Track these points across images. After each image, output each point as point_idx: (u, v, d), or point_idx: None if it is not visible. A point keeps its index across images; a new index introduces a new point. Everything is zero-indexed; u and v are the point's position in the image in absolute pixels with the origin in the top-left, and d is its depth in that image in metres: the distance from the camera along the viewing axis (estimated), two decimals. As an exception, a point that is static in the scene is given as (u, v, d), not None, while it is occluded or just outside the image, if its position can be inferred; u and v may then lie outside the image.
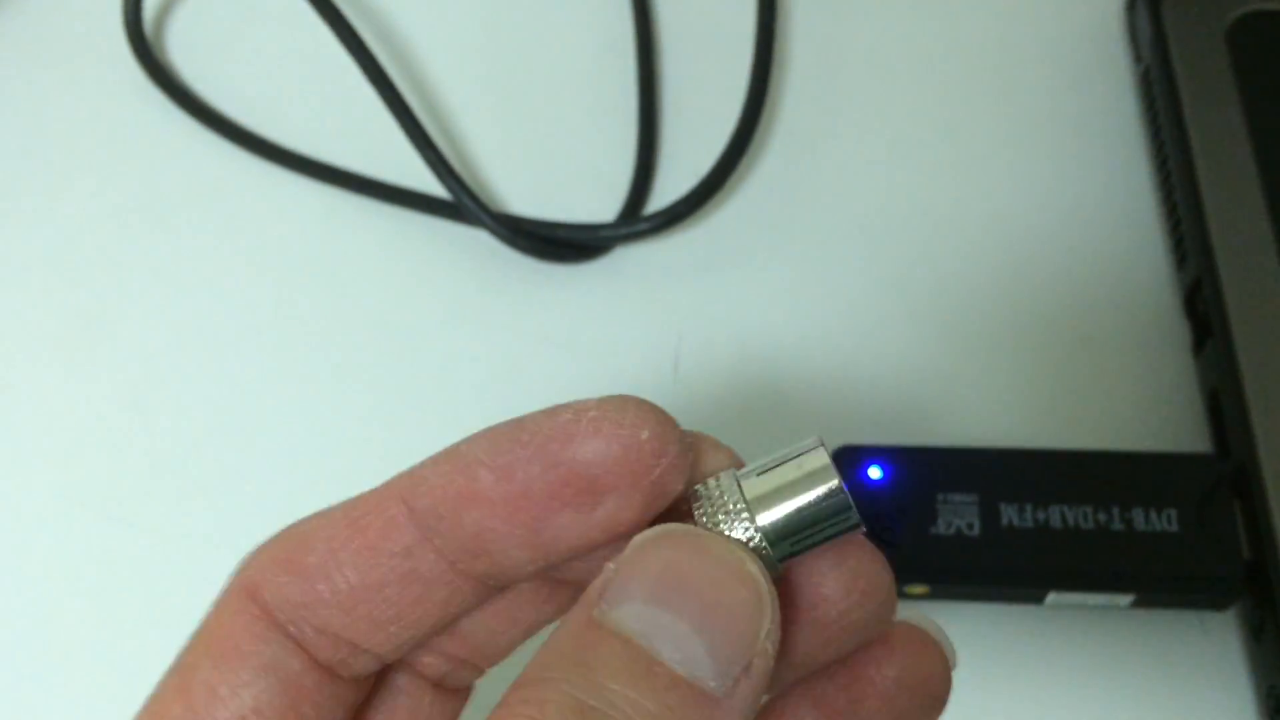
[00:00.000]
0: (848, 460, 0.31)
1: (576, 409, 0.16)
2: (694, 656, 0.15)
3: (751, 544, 0.16)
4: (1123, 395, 0.34)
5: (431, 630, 0.18)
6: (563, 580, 0.19)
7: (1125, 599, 0.30)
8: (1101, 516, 0.29)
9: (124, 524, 0.34)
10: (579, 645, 0.15)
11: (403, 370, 0.36)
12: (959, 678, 0.30)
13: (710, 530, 0.16)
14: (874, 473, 0.31)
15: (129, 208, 0.40)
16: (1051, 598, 0.30)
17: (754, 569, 0.15)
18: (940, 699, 0.18)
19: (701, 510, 0.17)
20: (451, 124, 0.40)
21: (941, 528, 0.30)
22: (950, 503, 0.30)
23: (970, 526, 0.30)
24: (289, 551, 0.17)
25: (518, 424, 0.17)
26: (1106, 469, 0.30)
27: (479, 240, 0.38)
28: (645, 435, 0.16)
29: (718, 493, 0.17)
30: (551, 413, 0.16)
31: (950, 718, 0.30)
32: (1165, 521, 0.29)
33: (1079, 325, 0.35)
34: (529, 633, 0.20)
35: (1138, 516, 0.29)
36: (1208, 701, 0.29)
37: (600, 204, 0.38)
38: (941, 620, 0.31)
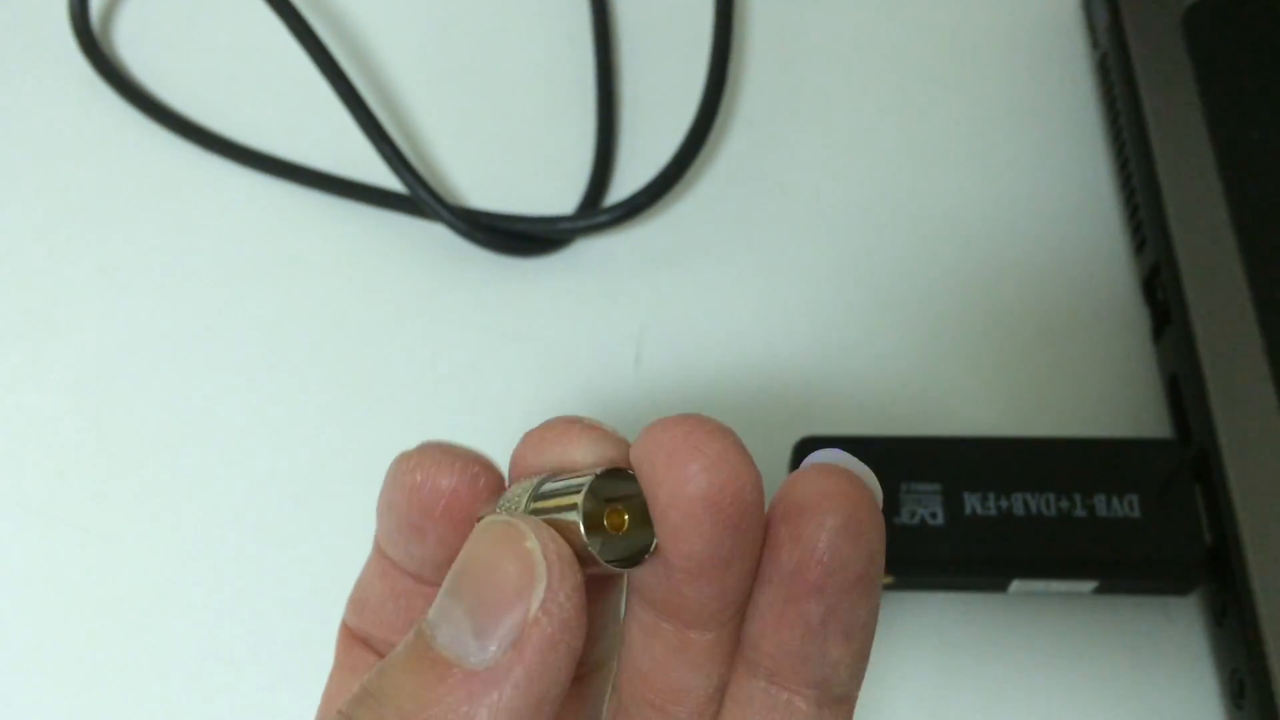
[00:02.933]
0: (809, 451, 0.31)
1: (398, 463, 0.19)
2: (460, 638, 0.16)
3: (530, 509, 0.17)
4: (1084, 382, 0.34)
5: None
6: None
7: (1088, 585, 0.30)
8: (1064, 504, 0.29)
9: (74, 528, 0.33)
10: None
11: (361, 366, 0.35)
12: (926, 665, 0.30)
13: (509, 510, 0.17)
14: (837, 463, 0.30)
15: (78, 205, 0.39)
16: (1015, 585, 0.30)
17: (531, 544, 0.16)
18: (862, 525, 0.17)
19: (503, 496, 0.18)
20: (408, 117, 0.40)
21: (905, 517, 0.30)
22: (914, 492, 0.30)
23: (934, 516, 0.29)
24: (353, 591, 0.22)
25: (387, 478, 0.20)
26: (1068, 456, 0.30)
27: (437, 234, 0.37)
28: (443, 483, 0.18)
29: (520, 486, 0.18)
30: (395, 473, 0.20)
31: (917, 704, 0.30)
32: (1127, 507, 0.29)
33: (1039, 313, 0.35)
34: None
35: (1099, 503, 0.29)
36: (1172, 686, 0.29)
37: (560, 196, 0.38)
38: (907, 610, 0.31)
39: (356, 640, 0.22)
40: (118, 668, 0.31)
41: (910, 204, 0.37)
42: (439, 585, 0.17)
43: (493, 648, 0.15)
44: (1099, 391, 0.33)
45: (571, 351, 0.35)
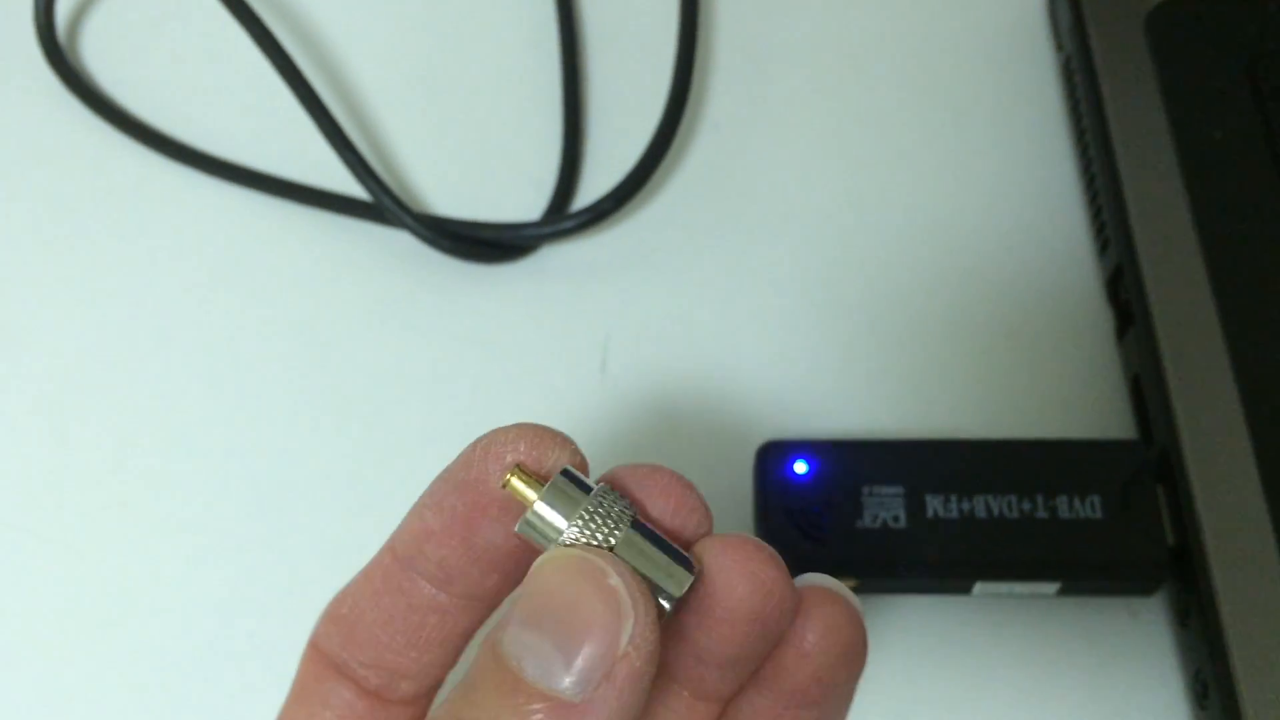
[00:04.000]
0: (773, 455, 0.31)
1: (477, 443, 0.19)
2: (553, 671, 0.16)
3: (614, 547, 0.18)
4: (1048, 383, 0.34)
5: (449, 652, 0.21)
6: None
7: (1051, 587, 0.29)
8: (1026, 505, 0.29)
9: (36, 537, 0.33)
10: (471, 669, 0.18)
11: (325, 373, 0.35)
12: (891, 669, 0.30)
13: (584, 545, 0.18)
14: (799, 467, 0.30)
15: (42, 214, 0.39)
16: (979, 588, 0.30)
17: (615, 582, 0.17)
18: (857, 649, 0.20)
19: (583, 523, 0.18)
20: (372, 125, 0.40)
21: (868, 520, 0.29)
22: (876, 495, 0.30)
23: (896, 519, 0.29)
24: (333, 608, 0.21)
25: (446, 468, 0.20)
26: (1030, 457, 0.30)
27: (402, 242, 0.37)
28: (523, 449, 0.19)
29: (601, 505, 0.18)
30: (464, 452, 0.19)
31: (882, 709, 0.30)
32: (1089, 509, 0.29)
33: (1004, 315, 0.35)
34: None
35: (1062, 504, 0.29)
36: (1136, 687, 0.29)
37: (526, 203, 0.38)
38: (871, 613, 0.31)
39: (331, 668, 0.21)
40: (75, 675, 0.31)
41: (875, 207, 0.37)
42: (468, 596, 0.20)
43: (586, 680, 0.16)
44: (1063, 393, 0.33)
45: (538, 358, 0.35)
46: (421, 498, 0.20)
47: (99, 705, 0.31)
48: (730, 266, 0.36)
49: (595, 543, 0.18)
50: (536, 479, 0.18)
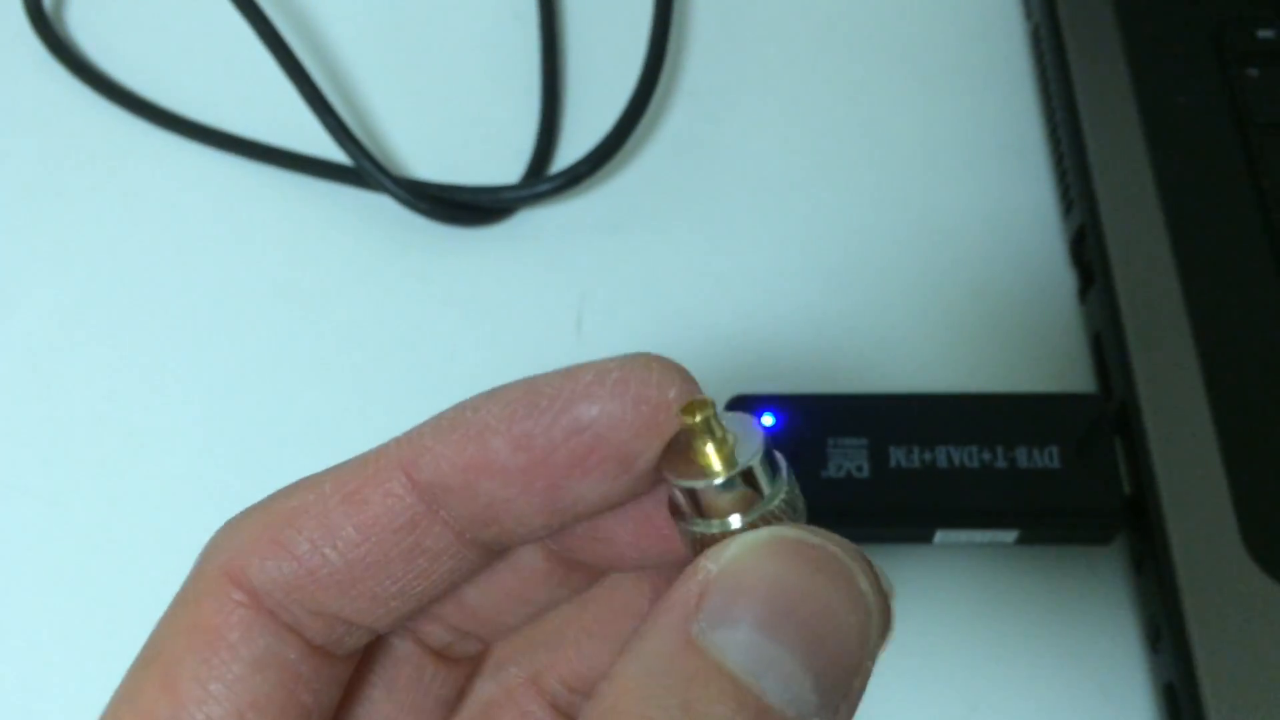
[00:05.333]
0: (741, 408, 0.31)
1: (597, 369, 0.16)
2: (802, 695, 0.13)
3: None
4: (1013, 342, 0.34)
5: (435, 600, 0.17)
6: (578, 563, 0.18)
7: (1010, 535, 0.30)
8: (986, 455, 0.30)
9: (26, 494, 0.34)
10: (678, 675, 0.13)
11: (307, 336, 0.36)
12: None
13: (801, 526, 0.15)
14: (766, 420, 0.31)
15: (30, 182, 0.39)
16: (940, 536, 0.30)
17: (864, 584, 0.14)
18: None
19: (778, 499, 0.15)
20: (354, 90, 0.40)
21: (833, 470, 0.30)
22: (841, 447, 0.30)
23: (860, 469, 0.30)
24: (274, 531, 0.16)
25: (533, 386, 0.15)
26: (991, 410, 0.31)
27: (382, 205, 0.38)
28: (672, 395, 0.15)
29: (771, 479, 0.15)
30: (570, 374, 0.15)
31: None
32: (1047, 459, 0.30)
33: (972, 276, 0.35)
34: (539, 612, 0.19)
35: (1021, 455, 0.30)
36: (1093, 633, 0.30)
37: (505, 167, 0.39)
38: (835, 563, 0.31)
39: (264, 614, 0.16)
40: (51, 631, 0.32)
41: (847, 171, 0.38)
42: (492, 546, 0.16)
43: (829, 704, 0.13)
44: (1027, 351, 0.34)
45: (514, 318, 0.36)
46: (474, 416, 0.16)
47: (85, 663, 0.31)
48: (703, 229, 0.37)
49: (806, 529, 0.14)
50: (707, 431, 0.15)
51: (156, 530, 0.33)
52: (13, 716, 0.31)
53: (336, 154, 0.38)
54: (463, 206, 0.37)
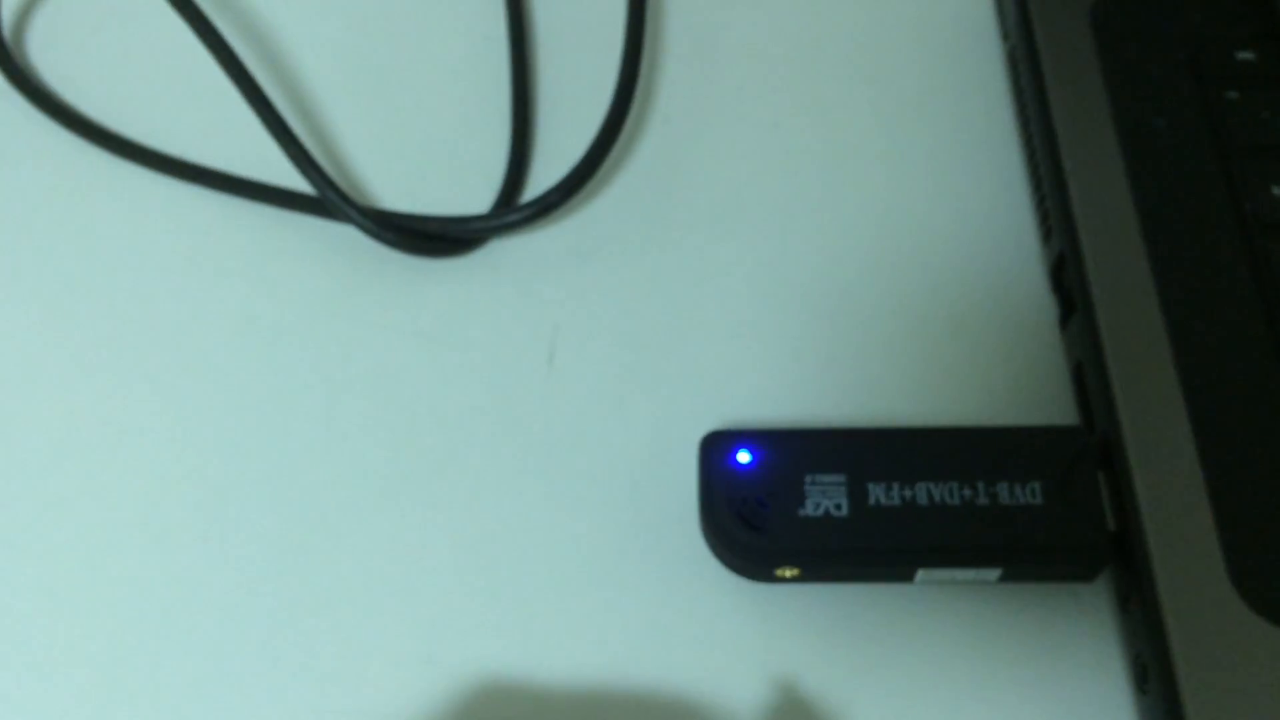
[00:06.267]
0: (717, 446, 0.31)
1: None
2: None
3: None
4: (993, 372, 0.34)
5: None
6: None
7: (993, 573, 0.30)
8: (967, 492, 0.29)
9: (-23, 539, 0.33)
10: None
11: (269, 370, 0.35)
12: (833, 658, 0.30)
13: None
14: (743, 457, 0.30)
15: (-15, 213, 0.38)
16: (921, 575, 0.30)
17: None
18: None
19: None
20: (319, 119, 0.40)
21: (810, 509, 0.29)
22: (819, 484, 0.30)
23: (839, 507, 0.29)
24: None
25: None
26: (972, 445, 0.30)
27: (348, 236, 0.37)
28: None
29: None
30: None
31: (826, 697, 0.30)
32: (1029, 495, 0.29)
33: (950, 305, 0.35)
34: None
35: (1002, 491, 0.29)
36: (1079, 672, 0.29)
37: (475, 197, 0.38)
38: (815, 603, 0.31)
39: None
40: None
41: (823, 198, 0.37)
42: None
43: None
44: (1007, 381, 0.33)
45: (484, 351, 0.35)
46: None
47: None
48: (679, 259, 0.36)
49: None
50: None
51: (105, 568, 0.32)
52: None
53: (302, 184, 0.37)
54: (431, 237, 0.36)
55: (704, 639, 0.30)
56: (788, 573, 0.30)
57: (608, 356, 0.35)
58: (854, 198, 0.37)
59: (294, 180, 0.37)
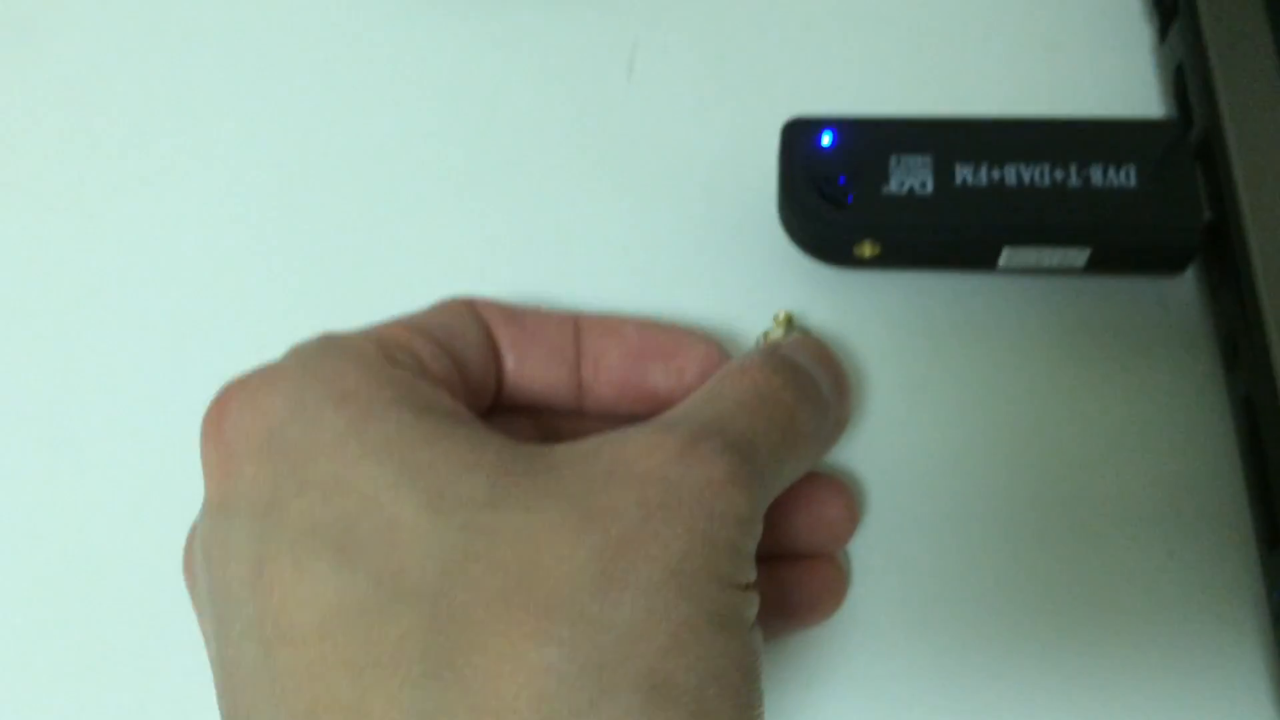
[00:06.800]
0: (799, 131, 0.30)
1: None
2: (824, 384, 0.25)
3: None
4: (1090, 81, 0.33)
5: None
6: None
7: (1081, 256, 0.29)
8: (1058, 174, 0.29)
9: None
10: (775, 357, 0.24)
11: (353, 83, 0.35)
12: (911, 347, 0.30)
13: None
14: (825, 139, 0.30)
15: None
16: (1005, 257, 0.29)
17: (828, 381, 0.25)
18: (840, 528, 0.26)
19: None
20: None
21: (894, 186, 0.29)
22: (904, 163, 0.29)
23: (923, 185, 0.29)
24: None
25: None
26: (1065, 132, 0.29)
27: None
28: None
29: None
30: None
31: (902, 386, 0.29)
32: (1124, 178, 0.28)
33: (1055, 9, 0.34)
34: None
35: (1095, 173, 0.28)
36: (1168, 361, 0.29)
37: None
38: (893, 290, 0.30)
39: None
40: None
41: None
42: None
43: (836, 402, 0.26)
44: (1106, 89, 0.32)
45: (564, 64, 0.35)
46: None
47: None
48: (763, -21, 0.35)
49: None
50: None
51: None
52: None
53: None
54: (513, -49, 0.36)
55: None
56: (868, 250, 0.29)
57: (688, 67, 0.34)
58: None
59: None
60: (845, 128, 0.30)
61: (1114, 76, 0.33)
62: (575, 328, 0.26)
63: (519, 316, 0.26)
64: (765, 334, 0.29)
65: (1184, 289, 0.29)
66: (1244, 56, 0.30)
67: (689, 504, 0.19)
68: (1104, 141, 0.29)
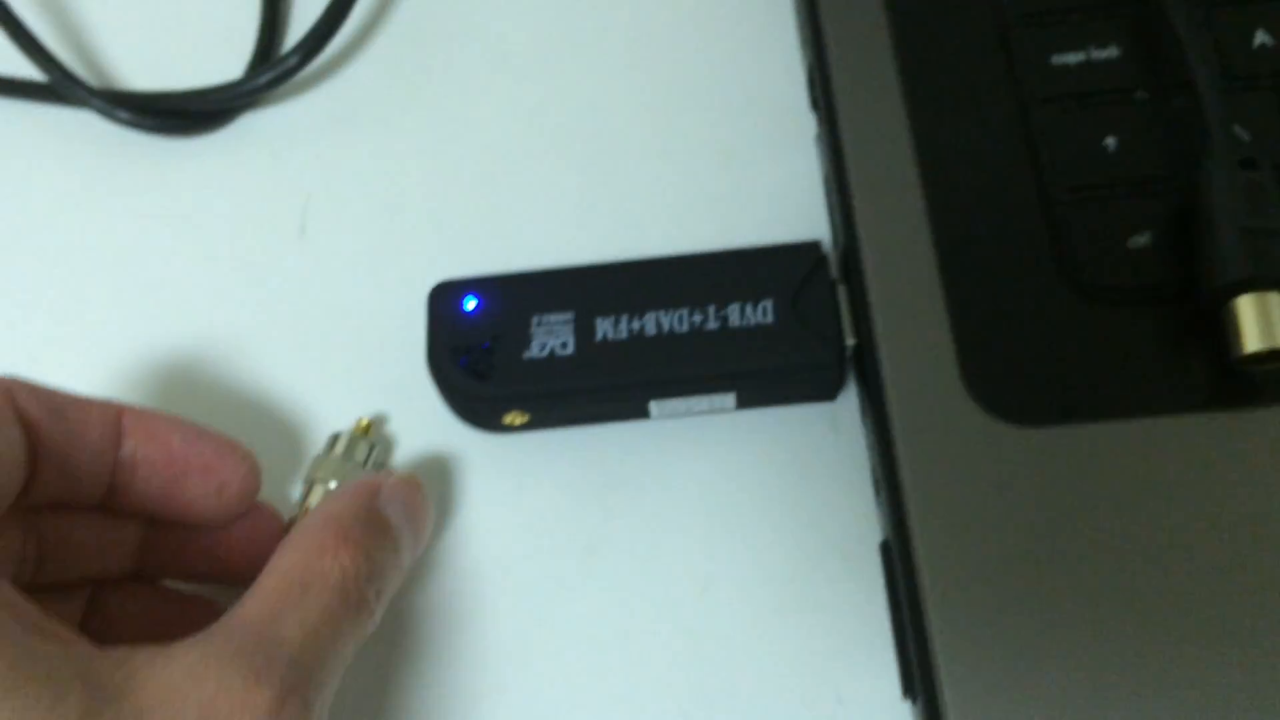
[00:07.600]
0: (444, 296, 0.29)
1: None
2: (405, 544, 0.26)
3: None
4: (753, 195, 0.32)
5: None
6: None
7: (728, 399, 0.28)
8: (696, 318, 0.28)
9: None
10: (369, 511, 0.26)
11: (14, 264, 0.34)
12: (576, 503, 0.29)
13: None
14: (469, 304, 0.29)
15: None
16: (655, 407, 0.29)
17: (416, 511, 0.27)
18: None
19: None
20: (57, 4, 0.38)
21: (535, 350, 0.28)
22: (545, 324, 0.29)
23: (564, 346, 0.28)
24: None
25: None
26: (705, 269, 0.29)
27: (88, 122, 0.35)
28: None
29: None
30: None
31: (571, 544, 0.29)
32: (761, 314, 0.28)
33: (714, 135, 0.33)
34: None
35: (733, 313, 0.28)
36: (827, 494, 0.28)
37: (230, 73, 0.36)
38: (549, 450, 0.30)
39: None
40: None
41: (589, 44, 0.35)
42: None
43: (413, 546, 0.27)
44: (768, 203, 0.32)
45: (235, 227, 0.34)
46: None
47: None
48: (431, 118, 0.35)
49: None
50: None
51: None
52: None
53: (34, 72, 0.35)
54: (173, 114, 0.35)
55: (443, 495, 0.29)
56: (517, 419, 0.29)
57: (360, 222, 0.33)
58: (619, 38, 0.35)
59: (26, 69, 0.35)
60: (489, 288, 0.29)
61: (783, 190, 0.32)
62: (118, 426, 0.25)
63: (61, 409, 0.25)
64: (336, 436, 0.29)
65: (845, 415, 0.29)
66: (884, 170, 0.29)
67: None
68: (744, 274, 0.29)
